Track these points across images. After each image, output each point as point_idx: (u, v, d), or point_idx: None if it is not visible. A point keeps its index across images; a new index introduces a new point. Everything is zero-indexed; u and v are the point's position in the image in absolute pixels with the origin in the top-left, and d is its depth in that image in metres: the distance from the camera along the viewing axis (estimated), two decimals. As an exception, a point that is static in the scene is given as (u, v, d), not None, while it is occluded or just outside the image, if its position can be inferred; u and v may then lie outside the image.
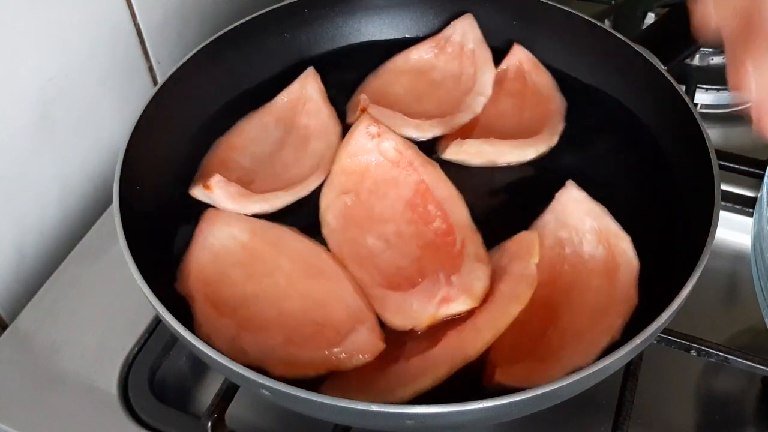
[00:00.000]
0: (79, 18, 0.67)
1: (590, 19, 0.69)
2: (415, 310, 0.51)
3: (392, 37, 0.75)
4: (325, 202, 0.60)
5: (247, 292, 0.55)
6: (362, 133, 0.62)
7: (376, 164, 0.62)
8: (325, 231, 0.58)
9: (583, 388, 0.46)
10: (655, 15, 0.84)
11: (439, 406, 0.41)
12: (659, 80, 0.63)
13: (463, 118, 0.66)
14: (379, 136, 0.62)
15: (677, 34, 0.72)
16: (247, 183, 0.61)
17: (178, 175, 0.62)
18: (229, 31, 0.68)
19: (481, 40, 0.71)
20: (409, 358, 0.50)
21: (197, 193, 0.60)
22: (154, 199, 0.59)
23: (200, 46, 0.66)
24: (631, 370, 0.54)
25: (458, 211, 0.58)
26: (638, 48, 0.65)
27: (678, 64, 0.70)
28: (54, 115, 0.67)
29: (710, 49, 0.80)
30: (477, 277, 0.52)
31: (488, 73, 0.69)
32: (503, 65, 0.71)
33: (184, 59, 0.65)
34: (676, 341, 0.56)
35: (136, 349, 0.60)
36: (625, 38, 0.66)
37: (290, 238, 0.58)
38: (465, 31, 0.72)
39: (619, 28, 0.79)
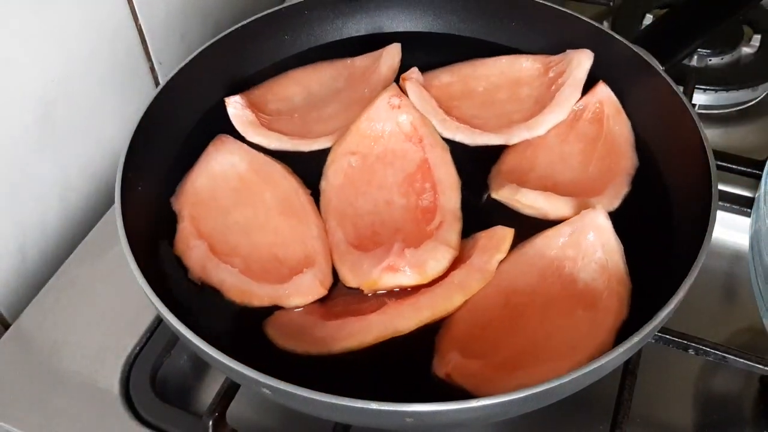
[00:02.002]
0: (80, 19, 0.67)
1: (589, 21, 0.69)
2: (364, 271, 0.53)
3: (392, 38, 0.76)
4: (332, 157, 0.63)
5: (228, 219, 0.59)
6: (384, 102, 0.63)
7: (390, 133, 0.63)
8: (323, 184, 0.61)
9: (582, 386, 0.46)
10: (654, 16, 0.84)
11: (438, 404, 0.42)
12: (657, 81, 0.63)
13: (492, 140, 0.64)
14: (399, 107, 0.63)
15: (675, 35, 0.73)
16: (280, 116, 0.67)
17: (179, 176, 0.62)
18: (230, 32, 0.68)
19: (580, 79, 0.66)
20: (348, 317, 0.51)
21: (226, 101, 0.66)
22: (155, 199, 0.60)
23: (202, 48, 0.66)
24: (629, 368, 0.55)
25: (449, 195, 0.59)
26: (636, 49, 0.65)
27: (676, 64, 0.70)
28: (56, 116, 0.67)
29: (708, 50, 0.80)
30: (434, 258, 0.53)
31: (555, 115, 0.64)
32: (581, 103, 0.65)
33: (186, 60, 0.65)
34: (675, 340, 0.56)
35: (138, 348, 0.60)
36: (624, 39, 0.67)
37: (280, 176, 0.61)
38: (578, 63, 0.66)
39: (618, 29, 0.79)
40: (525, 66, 0.70)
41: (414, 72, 0.68)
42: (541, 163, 0.63)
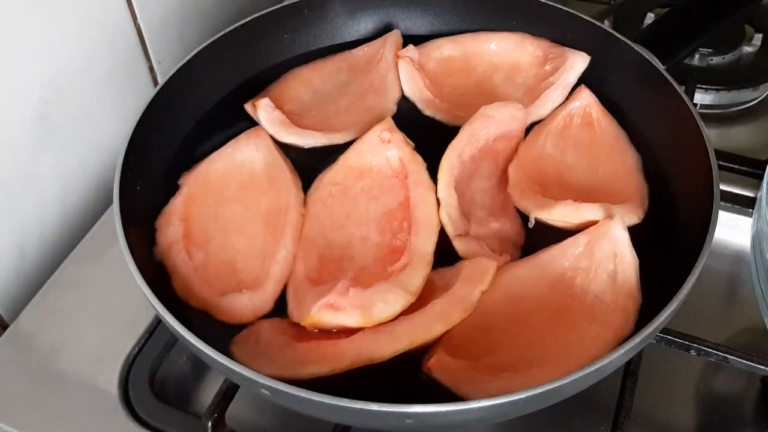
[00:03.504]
0: (79, 18, 0.67)
1: (590, 19, 0.69)
2: (306, 307, 0.51)
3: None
4: (315, 185, 0.62)
5: (218, 211, 0.59)
6: (375, 135, 0.62)
7: (377, 167, 0.62)
8: (305, 211, 0.60)
9: (583, 387, 0.46)
10: (655, 15, 0.84)
11: (439, 406, 0.41)
12: (659, 80, 0.63)
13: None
14: (389, 142, 0.62)
15: (677, 34, 0.73)
16: (298, 115, 0.66)
17: (178, 176, 0.62)
18: (229, 31, 0.68)
19: (569, 83, 0.66)
20: (321, 340, 0.50)
21: (248, 107, 0.66)
22: (154, 199, 0.59)
23: (201, 47, 0.66)
24: (630, 369, 0.54)
25: (423, 237, 0.56)
26: (638, 48, 0.65)
27: (677, 64, 0.70)
28: (54, 116, 0.67)
29: (710, 50, 0.80)
30: (384, 300, 0.50)
31: (534, 114, 0.65)
32: (568, 108, 0.65)
33: (185, 60, 0.65)
34: (676, 341, 0.56)
35: (137, 348, 0.60)
36: (625, 38, 0.66)
37: (285, 187, 0.60)
38: (571, 66, 0.67)
39: (619, 28, 0.79)
40: (528, 51, 0.70)
41: (409, 50, 0.69)
42: (551, 174, 0.62)
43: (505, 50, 0.71)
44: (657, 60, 0.65)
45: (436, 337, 0.50)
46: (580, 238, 0.54)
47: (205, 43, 0.67)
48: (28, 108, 0.64)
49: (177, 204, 0.59)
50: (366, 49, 0.72)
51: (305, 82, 0.70)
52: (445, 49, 0.71)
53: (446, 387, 0.48)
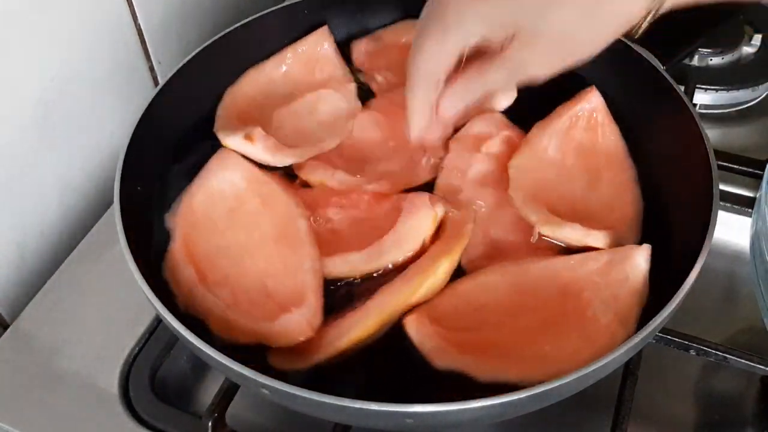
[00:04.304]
0: (79, 19, 0.67)
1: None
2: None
3: (392, 38, 0.75)
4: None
5: (221, 241, 0.56)
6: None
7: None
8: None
9: (583, 386, 0.46)
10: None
11: (439, 405, 0.41)
12: (658, 80, 0.63)
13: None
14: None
15: (676, 34, 0.73)
16: (273, 131, 0.63)
17: (179, 176, 0.62)
18: (229, 32, 0.68)
19: None
20: (345, 314, 0.51)
21: (233, 142, 0.61)
22: (155, 199, 0.59)
23: (201, 47, 0.66)
24: (630, 369, 0.54)
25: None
26: (637, 48, 0.65)
27: (677, 64, 0.70)
28: (55, 116, 0.67)
29: (709, 50, 0.80)
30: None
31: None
32: (576, 109, 0.63)
33: (185, 60, 0.65)
34: (676, 341, 0.56)
35: (137, 348, 0.60)
36: (624, 38, 0.66)
37: (279, 198, 0.58)
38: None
39: (619, 28, 0.79)
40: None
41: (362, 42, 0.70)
42: (552, 181, 0.61)
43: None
44: (656, 60, 0.65)
45: (447, 275, 0.52)
46: (602, 256, 0.54)
47: (206, 44, 0.67)
48: (29, 108, 0.64)
49: (177, 249, 0.55)
50: (293, 55, 0.70)
51: (250, 100, 0.67)
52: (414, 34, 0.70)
53: (416, 348, 0.49)
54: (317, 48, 0.70)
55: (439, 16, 0.49)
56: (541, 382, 0.42)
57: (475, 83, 0.51)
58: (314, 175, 0.61)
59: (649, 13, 0.50)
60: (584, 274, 0.53)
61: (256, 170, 0.60)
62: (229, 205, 0.59)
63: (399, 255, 0.54)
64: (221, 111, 0.66)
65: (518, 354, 0.49)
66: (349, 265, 0.54)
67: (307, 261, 0.54)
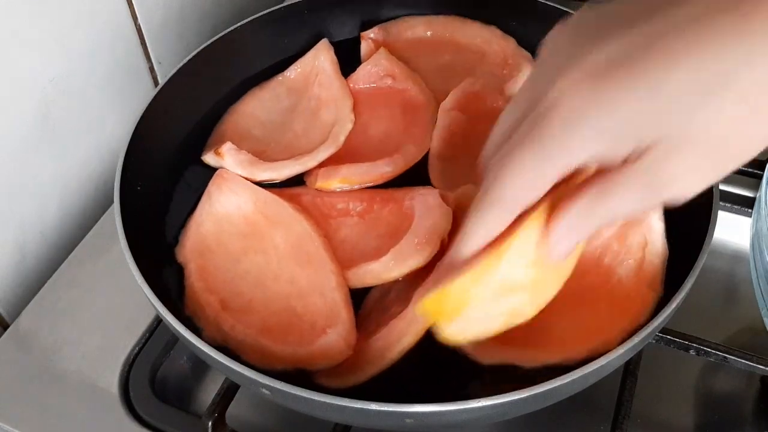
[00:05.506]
0: (80, 19, 0.67)
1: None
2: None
3: (392, 38, 0.75)
4: None
5: (239, 268, 0.54)
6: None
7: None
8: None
9: (582, 386, 0.46)
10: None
11: (439, 405, 0.41)
12: (658, 80, 0.63)
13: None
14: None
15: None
16: (259, 152, 0.62)
17: (178, 176, 0.62)
18: (229, 32, 0.68)
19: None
20: (387, 322, 0.49)
21: (209, 159, 0.61)
22: (155, 199, 0.59)
23: (201, 47, 0.66)
24: (630, 369, 0.55)
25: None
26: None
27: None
28: (55, 116, 0.67)
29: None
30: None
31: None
32: None
33: (185, 60, 0.65)
34: (675, 341, 0.56)
35: (137, 348, 0.60)
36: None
37: (290, 218, 0.57)
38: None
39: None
40: (494, 49, 0.70)
41: (373, 32, 0.70)
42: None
43: (474, 42, 0.70)
44: (656, 60, 0.65)
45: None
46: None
47: (205, 44, 0.67)
48: (29, 108, 0.64)
49: (194, 285, 0.53)
50: (297, 67, 0.69)
51: (249, 118, 0.66)
52: (419, 29, 0.70)
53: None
54: (315, 62, 0.69)
55: (541, 124, 0.36)
56: (586, 360, 0.43)
57: (595, 210, 0.37)
58: (325, 181, 0.60)
59: None
60: (601, 243, 0.53)
61: (260, 190, 0.59)
62: (240, 229, 0.57)
63: (421, 259, 0.52)
64: (217, 128, 0.66)
65: (557, 336, 0.49)
66: (371, 275, 0.53)
67: (332, 278, 0.53)
